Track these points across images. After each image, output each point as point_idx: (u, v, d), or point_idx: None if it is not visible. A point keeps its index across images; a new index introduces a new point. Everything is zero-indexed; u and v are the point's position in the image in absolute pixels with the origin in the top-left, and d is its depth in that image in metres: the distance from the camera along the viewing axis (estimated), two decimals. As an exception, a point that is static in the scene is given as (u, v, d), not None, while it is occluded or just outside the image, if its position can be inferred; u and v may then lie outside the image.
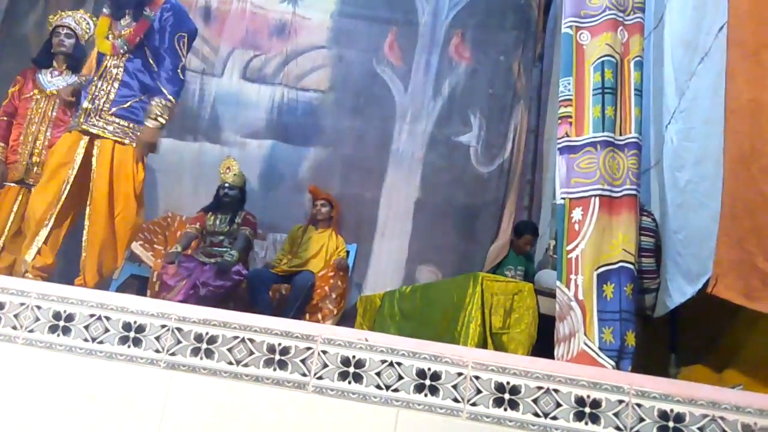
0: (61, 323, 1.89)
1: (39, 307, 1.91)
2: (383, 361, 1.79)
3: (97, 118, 2.78)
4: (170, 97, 2.82)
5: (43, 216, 2.71)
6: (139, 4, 2.88)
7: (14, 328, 1.89)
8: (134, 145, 2.78)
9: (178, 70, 2.85)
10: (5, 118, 3.49)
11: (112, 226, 2.77)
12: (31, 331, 1.89)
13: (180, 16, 2.92)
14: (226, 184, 4.08)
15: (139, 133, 2.79)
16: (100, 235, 2.72)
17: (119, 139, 2.77)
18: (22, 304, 1.91)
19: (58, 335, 1.87)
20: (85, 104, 2.83)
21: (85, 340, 1.87)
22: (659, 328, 2.76)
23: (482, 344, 2.68)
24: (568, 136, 2.41)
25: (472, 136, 4.86)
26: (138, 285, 4.07)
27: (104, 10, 2.96)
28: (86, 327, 1.88)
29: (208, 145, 4.90)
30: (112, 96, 2.81)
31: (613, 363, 2.11)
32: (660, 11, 3.00)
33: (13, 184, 3.39)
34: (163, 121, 2.79)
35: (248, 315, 1.93)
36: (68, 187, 2.72)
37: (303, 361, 1.80)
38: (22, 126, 3.44)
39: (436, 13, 5.09)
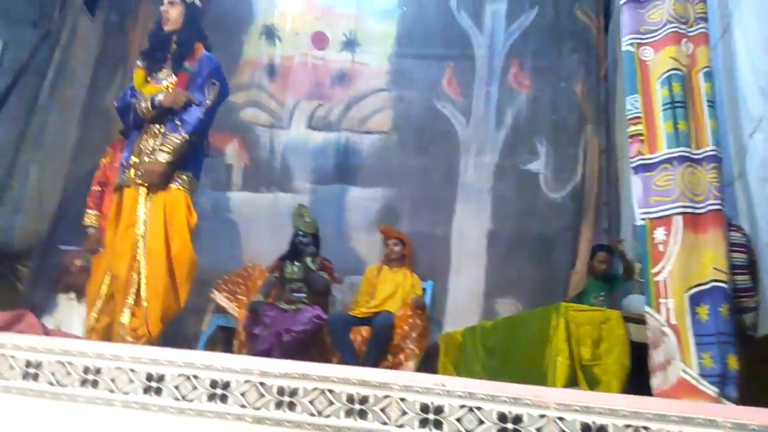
0: (154, 384, 1.95)
1: (133, 370, 1.98)
2: (462, 406, 1.75)
3: (148, 169, 2.86)
4: (183, 134, 2.89)
5: (127, 277, 2.80)
6: (179, 58, 3.03)
7: (111, 391, 1.97)
8: (184, 189, 2.88)
9: (202, 110, 2.93)
10: (98, 188, 3.74)
11: (171, 268, 2.81)
12: (126, 393, 1.96)
13: (214, 68, 3.04)
14: (300, 232, 4.17)
15: (188, 178, 2.90)
16: (159, 279, 2.77)
17: (170, 185, 2.86)
18: (118, 368, 1.99)
19: (151, 396, 1.94)
20: (133, 158, 2.95)
21: (176, 399, 1.92)
22: (764, 348, 2.57)
23: (571, 377, 2.58)
24: (641, 154, 2.34)
25: (540, 163, 4.79)
26: (225, 336, 4.19)
27: (138, 63, 3.14)
28: (176, 387, 1.94)
29: (281, 195, 5.06)
30: (159, 147, 2.91)
31: (716, 389, 1.98)
32: (726, 20, 2.89)
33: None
34: (168, 157, 2.84)
35: (326, 366, 1.95)
36: (142, 243, 2.80)
37: (382, 409, 1.79)
38: (113, 194, 3.66)
39: (492, 45, 5.11)
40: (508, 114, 4.96)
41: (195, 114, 2.91)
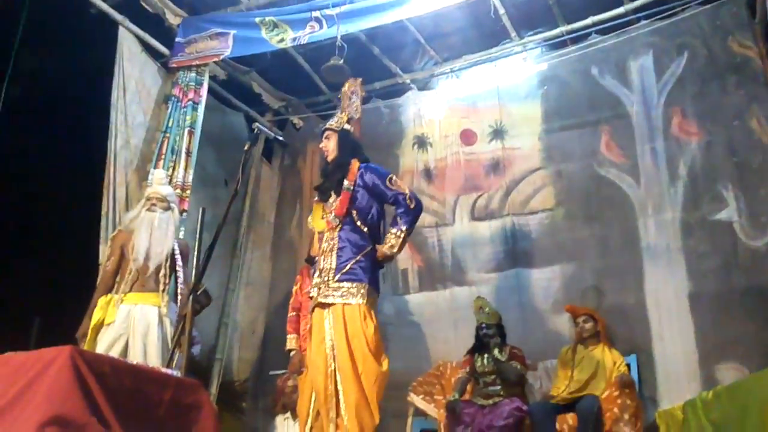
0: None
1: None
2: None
3: (326, 287, 3.07)
4: (402, 228, 3.10)
5: (325, 392, 2.94)
6: (339, 182, 3.26)
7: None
8: (360, 302, 3.00)
9: (408, 201, 3.13)
10: (294, 313, 4.12)
11: (361, 386, 2.89)
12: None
13: (375, 170, 3.27)
14: (483, 325, 4.16)
15: (364, 290, 3.02)
16: (353, 397, 2.86)
17: (346, 302, 3.01)
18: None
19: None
20: (315, 279, 3.18)
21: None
22: None
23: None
24: None
25: (731, 210, 4.34)
26: (429, 440, 4.20)
27: (315, 198, 3.43)
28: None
29: (457, 289, 5.13)
30: (334, 264, 3.10)
31: None
32: None
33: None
34: (396, 250, 3.09)
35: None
36: (332, 360, 2.95)
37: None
38: (307, 317, 4.00)
39: (645, 101, 4.90)
40: (681, 166, 4.64)
41: (409, 209, 3.14)
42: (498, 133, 5.42)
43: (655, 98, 4.91)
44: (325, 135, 3.46)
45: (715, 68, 4.72)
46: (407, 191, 3.19)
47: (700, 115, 4.69)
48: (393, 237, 3.11)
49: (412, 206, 3.15)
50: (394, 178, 3.24)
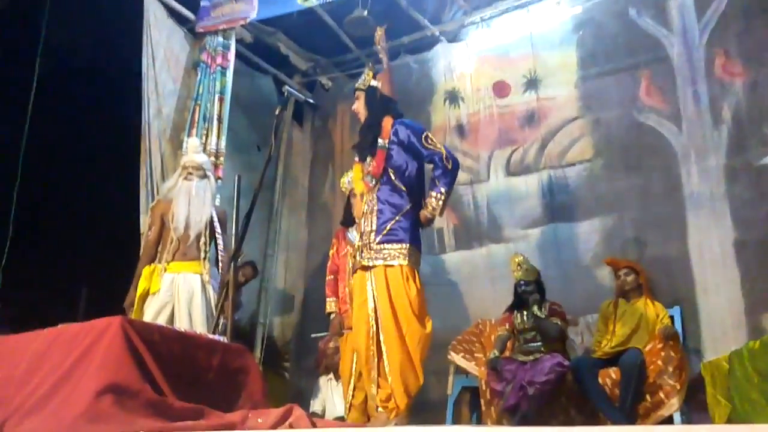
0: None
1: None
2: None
3: (368, 250, 3.06)
4: (442, 190, 3.04)
5: (367, 352, 2.98)
6: (373, 140, 3.20)
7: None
8: (403, 264, 2.98)
9: (445, 161, 3.06)
10: (332, 276, 4.15)
11: (405, 347, 2.91)
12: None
13: (410, 126, 3.19)
14: (522, 282, 4.13)
15: (406, 251, 2.99)
16: (397, 358, 2.88)
17: (388, 264, 2.99)
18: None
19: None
20: (357, 243, 3.16)
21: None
22: None
23: None
24: None
25: (778, 154, 4.17)
26: (470, 396, 4.24)
27: (355, 158, 3.38)
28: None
29: (494, 246, 5.09)
30: (374, 227, 3.07)
31: None
32: None
33: (350, 330, 3.92)
34: (437, 212, 3.02)
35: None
36: (373, 322, 2.98)
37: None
38: (344, 280, 4.03)
39: (686, 41, 4.68)
40: (725, 109, 4.45)
41: (447, 171, 3.06)
42: (532, 84, 5.26)
43: (696, 38, 4.68)
44: (355, 96, 3.40)
45: (760, 4, 4.45)
46: (443, 150, 3.13)
47: (745, 54, 4.46)
48: (434, 200, 3.05)
49: (450, 166, 3.09)
50: (429, 135, 3.17)
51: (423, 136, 3.15)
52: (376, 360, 2.97)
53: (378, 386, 2.96)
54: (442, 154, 3.10)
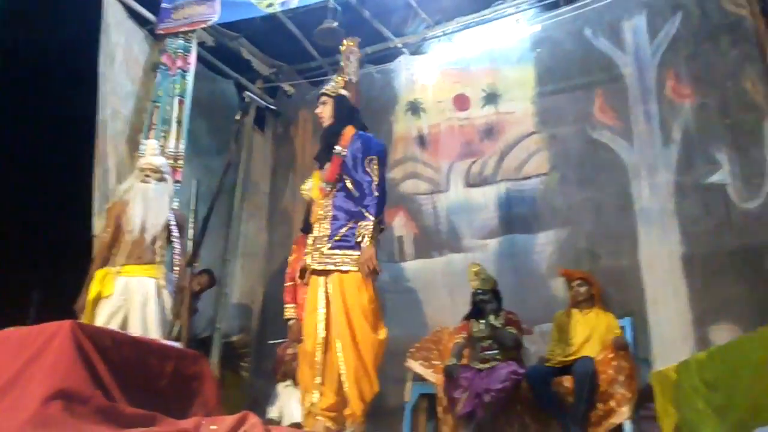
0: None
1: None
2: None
3: (320, 255, 3.08)
4: (371, 218, 3.03)
5: (312, 360, 2.98)
6: (330, 146, 3.22)
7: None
8: (354, 270, 2.99)
9: (373, 189, 3.06)
10: (291, 283, 4.12)
11: (359, 353, 2.92)
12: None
13: (366, 142, 3.20)
14: (479, 291, 4.19)
15: (356, 256, 2.99)
16: (352, 364, 2.89)
17: (340, 269, 3.01)
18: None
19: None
20: (309, 247, 3.17)
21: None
22: None
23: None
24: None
25: (724, 173, 4.33)
26: (428, 403, 4.26)
27: (316, 165, 3.39)
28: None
29: (453, 255, 5.13)
30: (327, 232, 3.10)
31: None
32: None
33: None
34: (368, 241, 2.97)
35: None
36: (322, 329, 2.98)
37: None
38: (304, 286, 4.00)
39: (638, 61, 4.85)
40: (674, 128, 4.62)
41: (374, 198, 3.05)
42: (491, 98, 5.37)
43: (648, 60, 4.86)
44: (321, 100, 3.40)
45: (709, 28, 4.66)
46: (375, 178, 3.12)
47: (694, 76, 4.65)
48: (364, 230, 3.02)
49: (377, 194, 3.09)
50: (375, 160, 3.16)
51: (368, 158, 3.15)
52: (321, 367, 2.97)
53: (320, 394, 2.95)
54: (373, 181, 3.10)
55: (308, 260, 3.17)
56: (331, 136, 3.28)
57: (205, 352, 4.59)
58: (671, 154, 4.59)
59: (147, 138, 4.57)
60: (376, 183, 3.10)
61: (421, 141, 5.53)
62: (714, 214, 4.33)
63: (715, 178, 4.39)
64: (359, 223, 3.04)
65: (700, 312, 4.17)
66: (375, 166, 3.15)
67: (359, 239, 3.02)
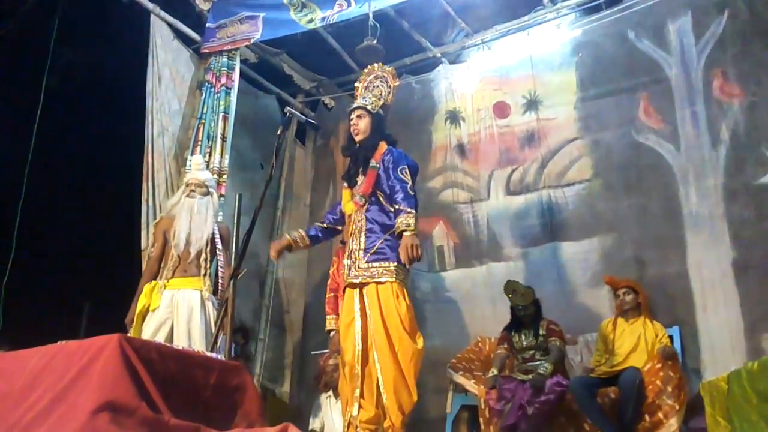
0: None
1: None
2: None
3: (356, 268, 3.11)
4: (410, 210, 3.04)
5: (351, 373, 3.01)
6: (365, 161, 3.27)
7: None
8: (391, 281, 3.02)
9: (408, 190, 3.09)
10: (332, 294, 4.17)
11: (398, 364, 2.93)
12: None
13: (398, 157, 3.25)
14: (519, 306, 4.14)
15: (393, 268, 3.03)
16: (391, 375, 2.90)
17: (377, 281, 3.03)
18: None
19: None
20: (346, 261, 3.21)
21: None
22: None
23: None
24: None
25: (778, 172, 4.19)
26: (469, 415, 4.23)
27: (343, 184, 3.45)
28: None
29: (493, 265, 5.10)
30: (362, 245, 3.13)
31: None
32: None
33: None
34: (413, 229, 2.99)
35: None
36: (359, 341, 3.01)
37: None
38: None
39: (684, 62, 4.72)
40: (723, 129, 4.47)
41: (410, 196, 3.09)
42: (532, 104, 5.31)
43: (694, 60, 4.72)
44: (357, 113, 3.44)
45: (758, 26, 4.50)
46: (409, 182, 3.16)
47: (743, 75, 4.50)
48: (406, 220, 3.02)
49: (412, 193, 3.12)
50: (407, 169, 3.20)
51: (401, 168, 3.20)
52: (360, 380, 2.99)
53: (360, 407, 2.97)
54: (407, 185, 3.14)
55: (346, 275, 3.21)
56: (366, 150, 3.34)
57: (248, 363, 4.68)
58: (719, 156, 4.45)
59: (193, 154, 4.71)
60: (410, 185, 3.15)
61: (461, 150, 5.52)
62: (766, 216, 4.17)
63: (766, 179, 4.23)
64: (398, 217, 3.06)
65: (752, 320, 4.01)
66: (407, 175, 3.20)
67: (402, 228, 3.01)
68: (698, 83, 4.65)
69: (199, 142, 4.84)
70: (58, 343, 2.42)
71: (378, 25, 4.56)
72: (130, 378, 2.17)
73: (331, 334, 4.16)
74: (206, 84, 5.07)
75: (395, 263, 3.08)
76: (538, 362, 3.94)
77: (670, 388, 3.59)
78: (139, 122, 4.76)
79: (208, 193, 3.92)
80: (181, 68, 5.14)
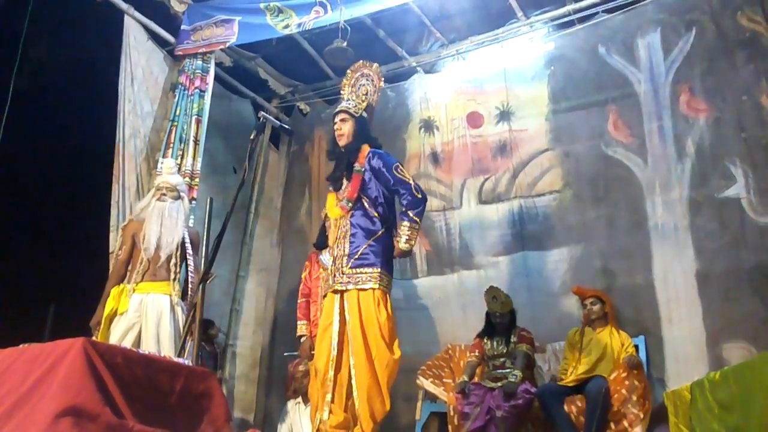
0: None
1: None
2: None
3: (340, 274, 3.11)
4: (415, 219, 3.08)
5: (324, 376, 3.00)
6: (349, 165, 3.27)
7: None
8: (374, 287, 3.03)
9: (413, 190, 3.12)
10: (303, 299, 4.16)
11: (374, 371, 2.94)
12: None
13: (386, 157, 3.27)
14: (497, 313, 4.17)
15: (377, 275, 3.04)
16: (365, 382, 2.90)
17: (360, 287, 3.04)
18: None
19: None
20: (330, 267, 3.20)
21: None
22: None
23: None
24: None
25: (739, 187, 4.29)
26: (438, 422, 4.24)
27: (328, 188, 3.43)
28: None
29: (465, 273, 5.13)
30: (346, 251, 3.13)
31: None
32: None
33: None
34: (413, 243, 3.04)
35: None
36: (335, 346, 3.00)
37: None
38: (317, 303, 4.04)
39: (653, 78, 4.83)
40: (688, 143, 4.59)
41: (416, 200, 3.12)
42: (505, 115, 5.38)
43: (662, 76, 4.84)
44: (341, 117, 3.42)
45: (724, 44, 4.64)
46: (412, 182, 3.19)
47: (709, 91, 4.62)
48: (407, 230, 3.08)
49: (419, 196, 3.15)
50: (400, 167, 3.24)
51: (394, 166, 3.22)
52: (332, 385, 2.98)
53: (330, 411, 2.96)
54: (411, 184, 3.16)
55: (330, 280, 3.20)
56: (349, 153, 3.34)
57: (217, 368, 4.63)
58: (685, 169, 4.56)
59: (164, 156, 4.66)
60: (413, 185, 3.16)
61: (435, 158, 5.56)
62: (729, 228, 4.28)
63: (729, 192, 4.34)
64: (401, 222, 3.08)
65: (714, 330, 4.11)
66: (403, 171, 3.23)
67: (403, 238, 3.06)
68: (666, 98, 4.77)
69: (171, 145, 4.80)
70: (21, 346, 2.36)
71: (349, 28, 4.58)
72: (93, 382, 2.14)
73: (302, 339, 4.15)
74: (180, 86, 5.03)
75: (379, 269, 3.09)
76: (508, 370, 3.97)
77: (635, 397, 3.66)
78: (109, 123, 4.70)
79: (179, 198, 3.88)
80: (155, 70, 5.09)
